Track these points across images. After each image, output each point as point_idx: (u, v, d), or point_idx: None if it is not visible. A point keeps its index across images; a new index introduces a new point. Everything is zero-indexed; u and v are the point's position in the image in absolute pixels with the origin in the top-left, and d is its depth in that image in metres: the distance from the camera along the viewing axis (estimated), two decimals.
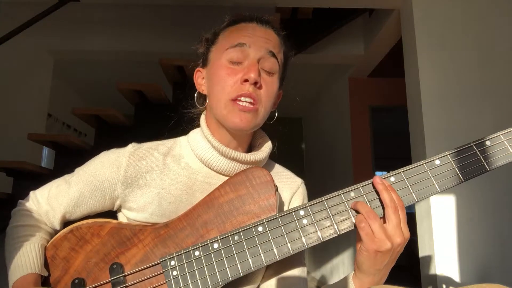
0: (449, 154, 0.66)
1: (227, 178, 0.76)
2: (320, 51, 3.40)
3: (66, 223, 0.79)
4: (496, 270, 2.15)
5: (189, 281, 0.66)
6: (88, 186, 0.77)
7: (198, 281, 0.66)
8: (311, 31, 2.95)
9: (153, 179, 0.76)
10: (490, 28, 2.42)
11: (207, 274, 0.66)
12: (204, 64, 0.82)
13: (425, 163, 0.67)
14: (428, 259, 2.24)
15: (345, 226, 0.66)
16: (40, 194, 0.80)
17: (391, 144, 5.94)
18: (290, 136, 6.07)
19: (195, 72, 0.84)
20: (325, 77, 4.65)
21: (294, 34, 2.83)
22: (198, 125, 0.84)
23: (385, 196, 0.64)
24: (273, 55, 0.74)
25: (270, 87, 0.75)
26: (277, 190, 0.71)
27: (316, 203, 0.68)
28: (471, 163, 0.65)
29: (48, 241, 0.75)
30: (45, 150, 4.02)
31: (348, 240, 3.95)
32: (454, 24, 2.44)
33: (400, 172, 0.67)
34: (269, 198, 0.69)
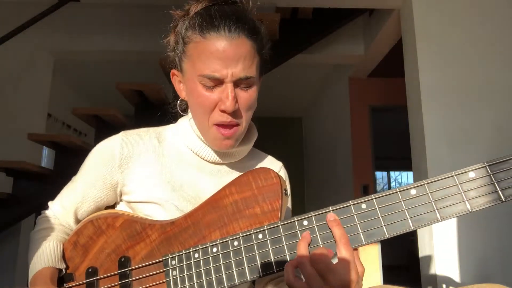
0: (488, 166, 0.54)
1: (217, 165, 0.82)
2: (320, 51, 3.40)
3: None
4: (496, 270, 2.15)
5: (187, 283, 0.66)
6: (89, 178, 0.80)
7: (195, 284, 0.66)
8: (311, 31, 2.95)
9: (149, 161, 0.78)
10: (490, 28, 2.42)
11: (204, 278, 0.65)
12: (178, 69, 0.79)
13: (456, 175, 0.55)
14: (428, 259, 2.24)
15: (352, 244, 0.58)
16: (56, 201, 0.85)
17: (391, 144, 5.93)
18: (290, 136, 6.07)
19: (171, 74, 0.82)
20: (325, 77, 4.65)
21: (294, 34, 2.83)
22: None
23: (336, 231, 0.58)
24: (247, 77, 0.71)
25: (249, 101, 0.74)
26: (286, 194, 0.68)
27: (322, 213, 0.61)
28: None
29: (65, 239, 0.80)
30: (45, 150, 4.01)
31: None
32: (454, 24, 2.44)
33: (423, 184, 0.57)
34: (273, 203, 0.66)
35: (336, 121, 4.57)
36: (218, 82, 0.71)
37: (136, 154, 0.78)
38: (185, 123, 0.83)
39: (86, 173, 0.81)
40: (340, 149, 4.34)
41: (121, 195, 0.81)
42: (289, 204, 0.87)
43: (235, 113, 0.73)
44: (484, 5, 2.45)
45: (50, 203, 0.86)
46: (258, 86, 0.77)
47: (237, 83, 0.72)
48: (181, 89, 0.81)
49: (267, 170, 0.68)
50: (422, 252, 2.32)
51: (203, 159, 0.81)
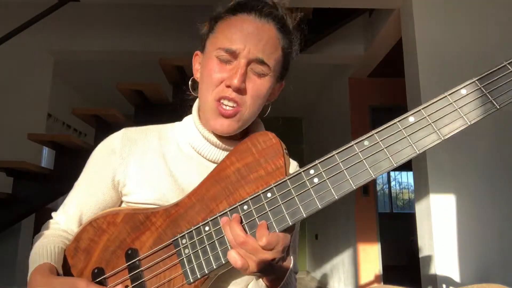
0: (477, 80, 0.56)
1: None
2: (320, 51, 3.41)
3: None
4: (496, 270, 2.15)
5: (201, 258, 0.65)
6: (92, 180, 0.78)
7: (210, 256, 0.64)
8: (311, 31, 2.95)
9: (150, 160, 0.77)
10: (490, 28, 2.42)
11: (219, 249, 0.64)
12: (202, 50, 0.80)
13: (449, 95, 0.57)
14: (428, 259, 2.24)
15: (361, 180, 0.60)
16: (59, 210, 0.82)
17: None
18: (290, 136, 6.08)
19: (194, 55, 0.82)
20: (325, 77, 4.65)
21: None
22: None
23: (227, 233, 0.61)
24: (263, 62, 0.71)
25: (258, 89, 0.72)
26: (286, 153, 0.67)
27: (327, 158, 0.61)
28: (508, 85, 0.54)
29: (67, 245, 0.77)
30: (45, 150, 4.02)
31: (348, 240, 3.94)
32: (454, 24, 2.44)
33: (420, 110, 0.58)
34: (276, 161, 0.64)
35: (336, 121, 4.58)
36: (233, 56, 0.70)
37: (137, 152, 0.77)
38: (189, 121, 0.82)
39: (89, 175, 0.79)
40: None
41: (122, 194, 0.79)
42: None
43: (240, 92, 0.71)
44: (484, 5, 2.45)
45: (53, 214, 0.83)
46: (272, 82, 0.75)
47: (250, 63, 0.71)
48: (197, 69, 0.80)
49: (264, 133, 0.67)
50: (422, 252, 2.32)
51: (206, 158, 0.79)
